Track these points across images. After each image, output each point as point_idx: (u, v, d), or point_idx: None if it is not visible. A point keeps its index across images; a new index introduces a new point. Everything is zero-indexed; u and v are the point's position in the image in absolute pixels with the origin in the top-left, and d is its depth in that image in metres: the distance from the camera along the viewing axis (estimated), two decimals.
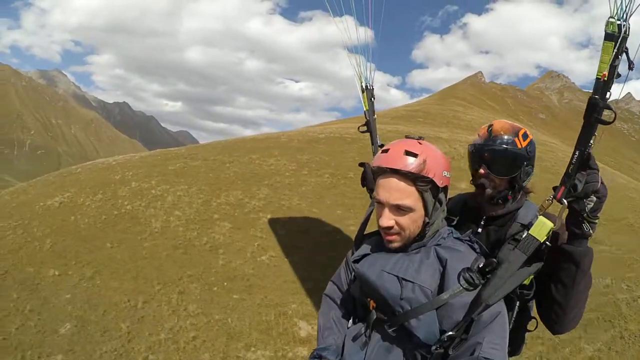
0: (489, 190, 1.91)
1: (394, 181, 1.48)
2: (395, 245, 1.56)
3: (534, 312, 1.87)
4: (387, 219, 1.50)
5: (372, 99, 2.49)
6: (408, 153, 1.47)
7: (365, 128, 2.46)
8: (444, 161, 1.54)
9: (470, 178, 2.08)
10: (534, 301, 1.81)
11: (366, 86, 2.53)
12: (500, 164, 1.88)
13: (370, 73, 2.50)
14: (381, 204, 1.54)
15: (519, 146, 1.88)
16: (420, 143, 1.54)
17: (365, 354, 1.54)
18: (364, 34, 2.44)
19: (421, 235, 1.56)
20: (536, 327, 1.83)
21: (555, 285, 1.62)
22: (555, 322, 1.69)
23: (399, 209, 1.49)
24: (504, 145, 1.87)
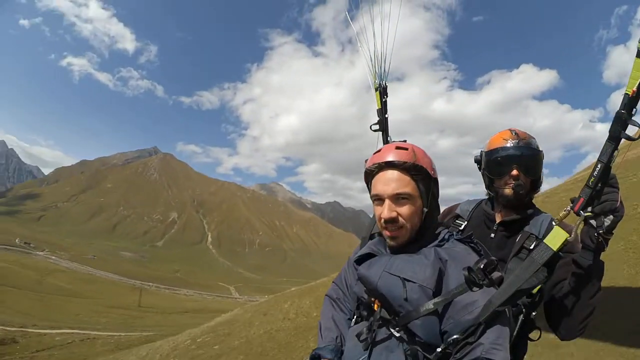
0: (522, 192, 1.89)
1: (390, 173, 1.56)
2: (399, 240, 1.58)
3: (537, 321, 1.86)
4: (389, 210, 1.53)
5: (385, 97, 2.41)
6: (399, 148, 1.59)
7: (377, 127, 2.39)
8: (430, 156, 1.65)
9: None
10: (537, 311, 1.82)
11: (379, 84, 2.43)
12: (532, 166, 1.90)
13: (383, 71, 2.40)
14: (380, 199, 1.58)
15: (539, 149, 1.95)
16: (405, 141, 1.71)
17: (369, 354, 1.52)
18: (379, 29, 2.35)
19: (421, 232, 1.60)
20: (539, 337, 1.82)
21: (567, 296, 1.65)
22: (564, 329, 1.72)
23: (399, 199, 1.53)
24: (536, 149, 1.92)
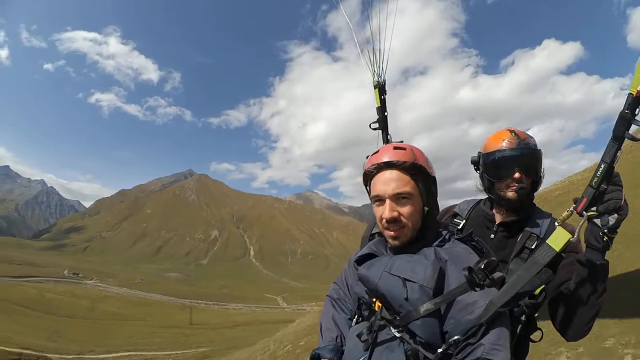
0: (523, 193, 1.87)
1: (389, 173, 1.58)
2: (401, 240, 1.58)
3: (539, 323, 1.86)
4: (390, 210, 1.54)
5: (384, 94, 2.39)
6: (397, 148, 1.61)
7: (377, 125, 2.39)
8: (427, 156, 1.66)
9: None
10: (538, 313, 1.82)
11: (378, 82, 2.43)
12: (533, 167, 1.89)
13: (382, 69, 2.40)
14: (380, 200, 1.59)
15: (538, 148, 1.93)
16: (402, 142, 1.74)
17: (370, 354, 1.53)
18: (377, 27, 2.33)
19: (422, 232, 1.61)
20: (541, 338, 1.82)
21: (571, 296, 1.62)
22: (570, 330, 1.69)
23: (400, 198, 1.55)
24: (536, 149, 1.91)
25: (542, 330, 1.84)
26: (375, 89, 2.44)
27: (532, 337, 1.85)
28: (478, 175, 2.09)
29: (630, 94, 1.31)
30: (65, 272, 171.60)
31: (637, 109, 1.33)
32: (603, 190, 1.43)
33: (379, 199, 1.60)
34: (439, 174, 1.71)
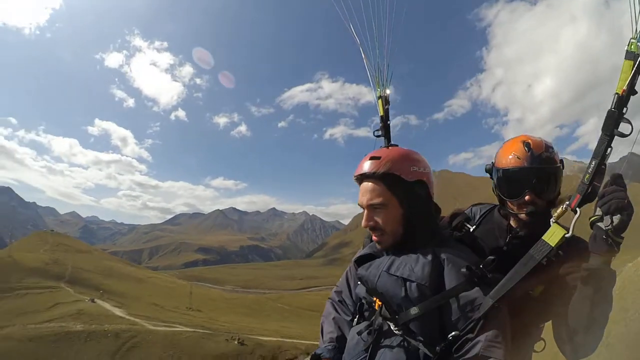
0: (534, 217, 1.74)
1: (365, 184, 1.65)
2: (383, 244, 1.67)
3: (543, 333, 1.84)
4: (366, 220, 1.65)
5: (387, 105, 2.48)
6: (372, 158, 1.65)
7: (380, 133, 2.45)
8: (412, 158, 1.66)
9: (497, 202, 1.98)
10: (544, 324, 1.80)
11: (381, 94, 2.51)
12: (549, 185, 1.73)
13: (386, 81, 2.50)
14: (362, 209, 1.68)
15: (558, 161, 1.78)
16: (388, 147, 1.76)
17: (370, 352, 1.57)
18: (384, 41, 2.44)
19: (410, 235, 1.64)
20: (543, 348, 1.82)
21: (572, 307, 1.50)
22: (568, 346, 1.55)
23: (375, 208, 1.63)
24: (553, 165, 1.75)
25: (544, 340, 1.83)
26: (378, 99, 2.52)
27: (535, 347, 1.83)
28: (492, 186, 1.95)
29: (617, 93, 1.35)
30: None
31: (625, 108, 1.35)
32: (595, 187, 1.41)
33: (361, 207, 1.69)
34: None
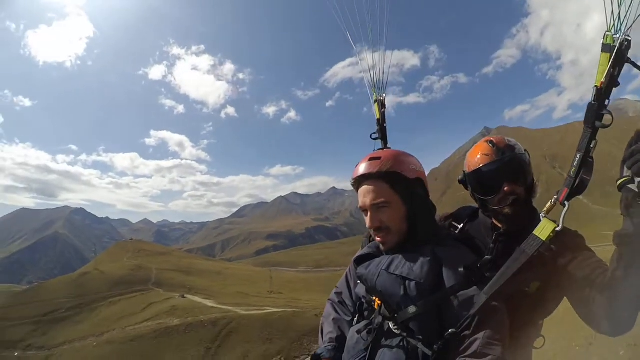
0: (518, 206, 1.74)
1: (366, 185, 1.68)
2: (389, 244, 1.69)
3: (543, 330, 1.84)
4: (372, 220, 1.65)
5: (383, 108, 2.54)
6: (371, 158, 1.70)
7: (376, 135, 2.49)
8: (409, 157, 1.73)
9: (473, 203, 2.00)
10: (543, 320, 1.80)
11: (377, 97, 2.56)
12: (521, 174, 1.76)
13: (382, 85, 2.56)
14: (365, 211, 1.69)
15: (523, 150, 1.82)
16: (384, 149, 1.86)
17: (369, 351, 1.58)
18: (379, 45, 2.50)
19: (414, 231, 1.67)
20: (543, 344, 1.83)
21: (610, 282, 1.40)
22: (612, 322, 1.44)
23: (379, 208, 1.64)
24: (520, 152, 1.78)
25: (544, 337, 1.85)
26: (375, 103, 2.57)
27: (534, 344, 1.85)
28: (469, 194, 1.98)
29: (596, 86, 1.37)
30: None
31: (606, 100, 1.37)
32: (584, 179, 1.43)
33: (363, 209, 1.70)
34: None
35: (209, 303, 50.60)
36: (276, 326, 35.87)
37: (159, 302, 52.19)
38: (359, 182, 1.72)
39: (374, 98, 2.60)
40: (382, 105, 2.55)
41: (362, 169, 1.70)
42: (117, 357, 35.18)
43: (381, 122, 2.52)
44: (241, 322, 37.80)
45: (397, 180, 1.65)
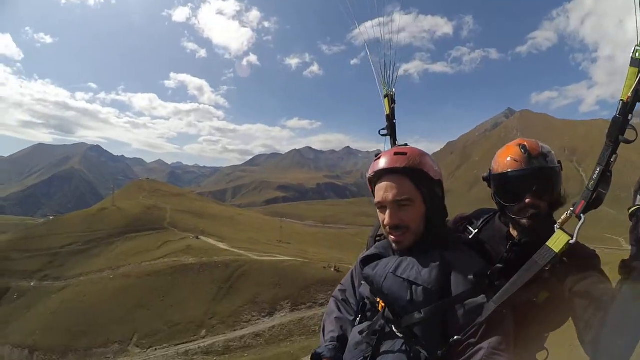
0: (537, 220, 1.67)
1: (390, 179, 1.61)
2: (403, 244, 1.61)
3: (546, 342, 1.82)
4: (392, 218, 1.58)
5: (393, 104, 2.51)
6: (397, 153, 1.63)
7: (385, 132, 2.48)
8: (432, 158, 1.67)
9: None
10: (549, 333, 1.78)
11: (387, 92, 2.54)
12: (547, 188, 1.68)
13: (393, 81, 2.54)
14: (383, 207, 1.62)
15: (556, 162, 1.73)
16: (407, 145, 1.76)
17: (372, 354, 1.55)
18: (389, 41, 2.54)
19: (427, 235, 1.61)
20: (546, 358, 1.80)
21: (611, 314, 1.28)
22: (599, 351, 1.32)
23: (400, 205, 1.58)
24: (551, 165, 1.70)
25: (547, 350, 1.81)
26: (385, 98, 2.54)
27: (537, 356, 1.81)
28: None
29: (622, 100, 1.34)
30: None
31: (630, 115, 1.34)
32: (600, 194, 1.40)
33: (382, 206, 1.62)
34: None
35: (222, 246, 52.40)
36: (285, 273, 37.53)
37: (174, 241, 54.26)
38: (379, 175, 1.65)
39: (384, 93, 2.56)
40: (392, 100, 2.52)
41: (386, 162, 1.63)
42: (134, 290, 37.38)
43: (391, 118, 2.49)
44: (253, 266, 39.44)
45: (421, 179, 1.60)
